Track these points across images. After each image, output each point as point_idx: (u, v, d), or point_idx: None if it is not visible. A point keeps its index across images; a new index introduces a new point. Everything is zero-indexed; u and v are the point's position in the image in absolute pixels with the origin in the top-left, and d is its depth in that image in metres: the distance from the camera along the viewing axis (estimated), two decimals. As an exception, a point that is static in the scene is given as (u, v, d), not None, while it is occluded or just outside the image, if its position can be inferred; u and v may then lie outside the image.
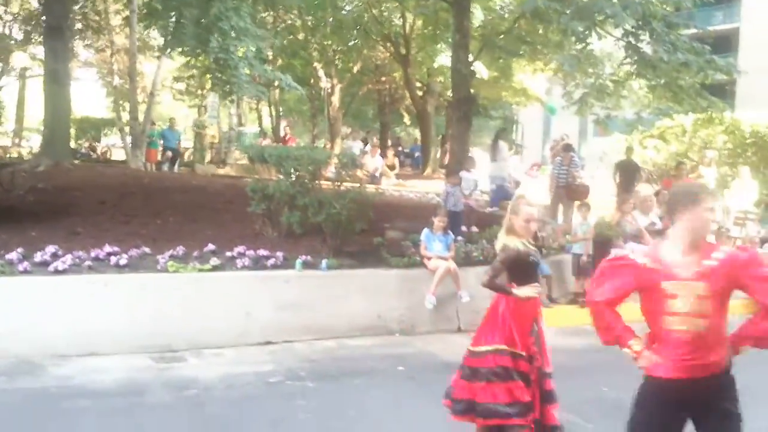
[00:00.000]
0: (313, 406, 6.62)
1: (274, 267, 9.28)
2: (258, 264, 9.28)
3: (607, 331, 4.18)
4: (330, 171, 13.55)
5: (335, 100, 28.33)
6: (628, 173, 16.77)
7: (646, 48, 13.73)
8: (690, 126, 21.44)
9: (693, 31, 19.01)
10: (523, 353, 5.21)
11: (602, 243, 11.50)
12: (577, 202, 14.47)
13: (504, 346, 5.19)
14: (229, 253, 9.40)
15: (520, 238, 5.32)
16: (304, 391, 7.06)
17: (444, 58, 23.93)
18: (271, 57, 25.38)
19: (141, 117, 21.17)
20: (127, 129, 22.44)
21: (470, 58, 15.23)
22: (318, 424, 6.23)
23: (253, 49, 15.06)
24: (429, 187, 19.73)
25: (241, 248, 9.49)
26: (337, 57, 28.47)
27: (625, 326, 4.17)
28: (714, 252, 3.83)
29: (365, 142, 28.07)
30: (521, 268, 5.30)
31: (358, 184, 11.20)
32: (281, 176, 10.83)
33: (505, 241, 5.34)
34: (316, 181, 10.92)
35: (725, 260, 3.79)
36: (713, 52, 14.52)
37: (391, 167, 23.70)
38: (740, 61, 36.42)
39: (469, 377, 5.33)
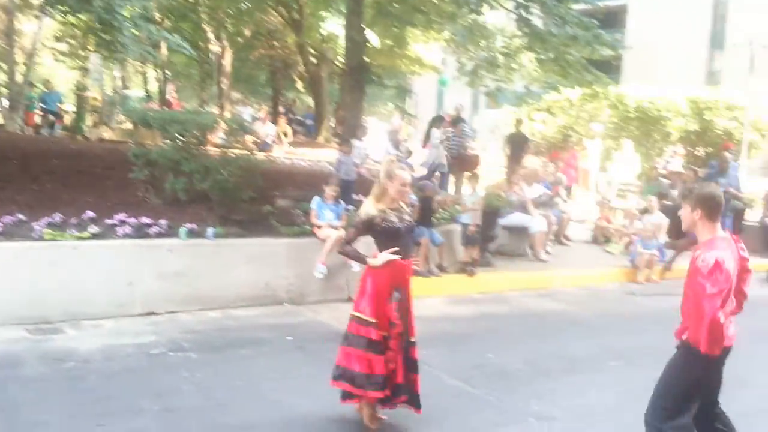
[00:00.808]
0: (197, 378, 6.46)
1: (158, 235, 8.94)
2: (140, 232, 8.91)
3: None
4: (219, 137, 13.23)
5: (226, 64, 27.67)
6: (517, 145, 17.07)
7: (537, 21, 13.93)
8: (576, 100, 22.00)
9: (583, 6, 19.44)
10: (375, 321, 5.25)
11: (490, 213, 11.66)
12: (467, 173, 14.64)
13: (364, 316, 5.27)
14: (109, 221, 8.99)
15: (393, 202, 5.30)
16: (187, 363, 6.87)
17: (332, 25, 23.68)
18: (158, 18, 24.50)
19: (20, 78, 20.11)
20: (3, 91, 21.28)
21: (364, 25, 15.10)
22: (202, 395, 6.06)
23: (139, 10, 14.46)
24: (322, 156, 19.57)
25: (122, 216, 9.09)
26: (228, 20, 27.75)
27: None
28: None
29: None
30: (383, 234, 5.27)
31: (247, 151, 10.93)
32: (167, 141, 10.45)
33: (365, 208, 5.32)
34: (203, 147, 10.59)
35: None
36: (602, 27, 14.87)
37: (284, 134, 23.37)
38: (627, 37, 37.75)
39: (342, 342, 5.45)
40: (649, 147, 21.37)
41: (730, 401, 4.74)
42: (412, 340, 5.43)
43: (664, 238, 13.31)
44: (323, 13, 24.63)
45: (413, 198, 10.69)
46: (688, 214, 4.51)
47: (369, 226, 5.27)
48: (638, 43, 30.03)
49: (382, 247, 5.29)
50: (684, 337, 4.39)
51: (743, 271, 4.52)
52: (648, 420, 4.60)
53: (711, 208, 4.49)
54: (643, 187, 16.43)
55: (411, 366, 5.41)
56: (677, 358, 4.53)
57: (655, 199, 13.94)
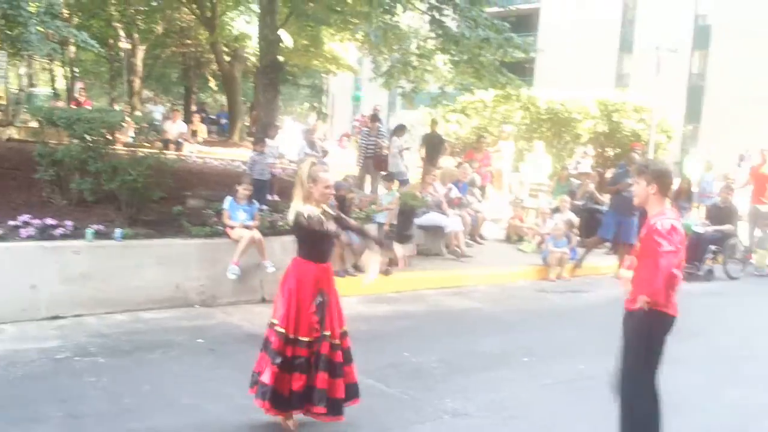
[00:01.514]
0: (104, 383, 6.25)
1: (63, 237, 8.63)
2: (45, 234, 8.58)
3: None
4: (129, 136, 12.90)
5: (137, 62, 27.03)
6: (432, 146, 17.19)
7: (451, 23, 14.03)
8: (490, 101, 22.30)
9: (495, 9, 19.68)
10: (294, 336, 5.19)
11: (406, 213, 11.68)
12: (383, 173, 14.65)
13: (277, 323, 5.23)
14: (12, 222, 8.64)
15: (318, 205, 5.27)
16: (94, 368, 6.63)
17: (243, 24, 23.37)
18: (66, 14, 23.75)
19: None
20: None
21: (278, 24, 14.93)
22: (109, 401, 5.86)
23: (45, 6, 13.94)
24: (236, 155, 19.32)
25: (25, 217, 8.74)
26: (138, 17, 27.13)
27: None
28: None
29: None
30: (316, 236, 5.24)
31: (157, 150, 10.67)
32: (74, 140, 10.10)
33: (300, 209, 5.22)
34: (111, 146, 10.28)
35: None
36: (514, 30, 15.09)
37: (196, 133, 22.98)
38: (539, 40, 38.47)
39: (261, 347, 5.41)
40: (560, 148, 21.83)
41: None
42: (336, 342, 5.32)
43: (575, 237, 13.60)
44: (235, 12, 24.24)
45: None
46: (642, 189, 4.83)
47: (312, 228, 5.21)
48: (549, 46, 30.65)
49: (308, 249, 5.29)
50: (638, 305, 4.74)
51: None
52: (616, 385, 4.98)
53: (665, 184, 4.90)
54: (554, 187, 16.75)
55: (333, 370, 5.29)
56: (633, 322, 4.88)
57: (567, 199, 14.23)
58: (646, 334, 4.86)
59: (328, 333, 5.24)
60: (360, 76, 36.01)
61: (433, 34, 14.62)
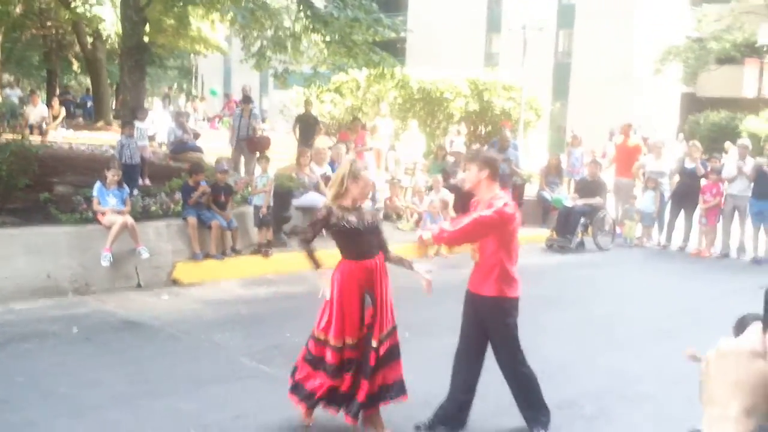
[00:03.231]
0: (-27, 378, 6.00)
1: None
2: None
3: None
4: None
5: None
6: (306, 126, 17.14)
7: (319, 3, 14.02)
8: (364, 81, 22.41)
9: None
10: (343, 343, 5.08)
11: (282, 195, 11.65)
12: (258, 154, 14.51)
13: (331, 341, 5.09)
14: None
15: (353, 203, 5.15)
16: (-38, 362, 6.36)
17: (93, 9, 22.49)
18: None
19: None
20: None
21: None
22: (-20, 395, 5.64)
23: None
24: (103, 139, 18.69)
25: None
26: (-7, -3, 25.71)
27: None
28: None
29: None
30: (342, 234, 5.16)
31: (20, 136, 10.21)
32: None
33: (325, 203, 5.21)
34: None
35: None
36: (383, 10, 15.20)
37: (54, 117, 22.01)
38: (409, 20, 38.84)
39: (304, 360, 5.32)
40: (434, 127, 22.21)
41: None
42: (374, 344, 5.09)
43: (451, 213, 13.89)
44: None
45: (203, 183, 10.46)
46: (474, 174, 5.01)
47: (325, 225, 5.16)
48: (420, 26, 31.04)
49: (341, 248, 5.22)
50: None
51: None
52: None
53: (495, 169, 5.15)
54: (429, 166, 17.04)
55: (367, 372, 5.09)
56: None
57: (439, 178, 14.49)
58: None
59: (375, 344, 5.07)
60: (229, 56, 35.35)
61: (302, 14, 14.54)
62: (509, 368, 5.31)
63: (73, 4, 22.20)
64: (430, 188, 14.59)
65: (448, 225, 5.28)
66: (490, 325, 5.28)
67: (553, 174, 15.89)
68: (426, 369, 5.91)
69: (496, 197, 5.09)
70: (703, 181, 14.04)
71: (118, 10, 17.13)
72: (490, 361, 5.35)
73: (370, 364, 5.03)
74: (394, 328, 5.28)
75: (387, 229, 14.12)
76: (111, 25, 18.50)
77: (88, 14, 22.84)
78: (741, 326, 4.47)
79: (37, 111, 19.62)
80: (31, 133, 15.90)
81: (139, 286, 9.33)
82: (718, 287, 11.26)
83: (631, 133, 16.32)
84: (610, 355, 7.52)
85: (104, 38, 25.58)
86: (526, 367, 5.32)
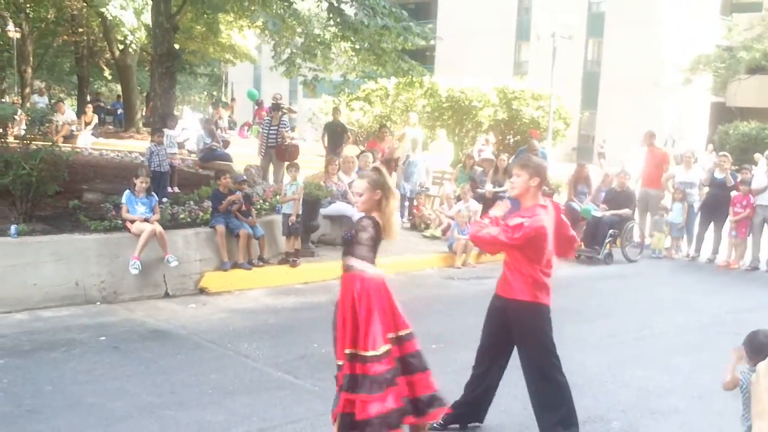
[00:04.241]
0: (3, 384, 6.00)
1: (-46, 235, 8.25)
2: (-66, 232, 8.20)
3: None
4: (21, 128, 12.39)
5: (28, 51, 25.95)
6: (335, 134, 17.13)
7: (349, 11, 14.00)
8: (393, 89, 22.40)
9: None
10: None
11: (311, 203, 11.61)
12: (286, 163, 14.52)
13: (375, 358, 4.82)
14: None
15: (386, 217, 5.11)
16: (-8, 369, 6.37)
17: (114, 10, 22.55)
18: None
19: None
20: None
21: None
22: (10, 403, 5.64)
23: None
24: (133, 146, 18.83)
25: None
26: (27, 5, 26.02)
27: None
28: None
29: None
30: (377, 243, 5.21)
31: (50, 143, 10.27)
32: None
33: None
34: (2, 140, 9.85)
35: None
36: (413, 18, 15.17)
37: (86, 124, 22.24)
38: (438, 28, 38.83)
39: (345, 388, 4.86)
40: (462, 135, 22.14)
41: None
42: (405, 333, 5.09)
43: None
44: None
45: (238, 192, 10.44)
46: (524, 181, 4.96)
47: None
48: (449, 34, 30.97)
49: (370, 259, 5.29)
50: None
51: (564, 228, 5.33)
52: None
53: (545, 178, 5.15)
54: (457, 175, 16.95)
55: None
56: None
57: (468, 188, 14.39)
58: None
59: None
60: (259, 63, 35.49)
61: (332, 22, 14.55)
62: (539, 376, 5.13)
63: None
64: (458, 198, 14.50)
65: (495, 230, 5.09)
66: (524, 331, 5.13)
67: (581, 184, 15.74)
68: (450, 379, 5.82)
69: (535, 210, 4.99)
70: (733, 193, 13.84)
71: (142, 17, 17.24)
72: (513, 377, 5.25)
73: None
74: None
75: (414, 239, 14.16)
76: (130, 31, 18.48)
77: (107, 14, 22.91)
78: (752, 342, 4.39)
79: (64, 118, 19.82)
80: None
81: (167, 294, 9.32)
82: (747, 300, 11.08)
83: (654, 141, 16.01)
84: (638, 368, 7.39)
85: (128, 43, 25.70)
86: (561, 375, 5.14)
